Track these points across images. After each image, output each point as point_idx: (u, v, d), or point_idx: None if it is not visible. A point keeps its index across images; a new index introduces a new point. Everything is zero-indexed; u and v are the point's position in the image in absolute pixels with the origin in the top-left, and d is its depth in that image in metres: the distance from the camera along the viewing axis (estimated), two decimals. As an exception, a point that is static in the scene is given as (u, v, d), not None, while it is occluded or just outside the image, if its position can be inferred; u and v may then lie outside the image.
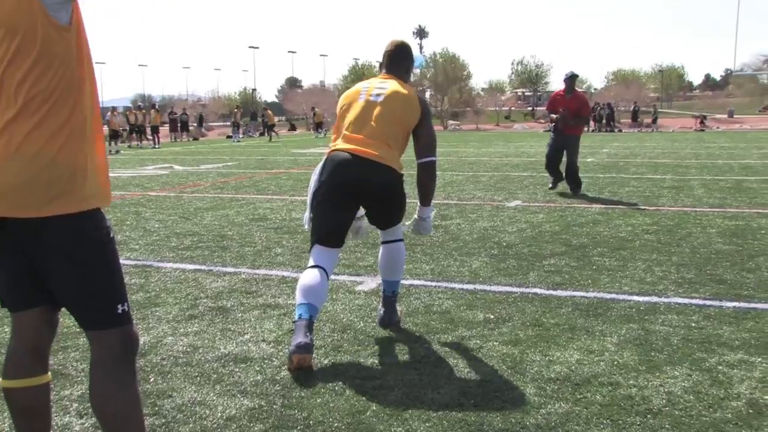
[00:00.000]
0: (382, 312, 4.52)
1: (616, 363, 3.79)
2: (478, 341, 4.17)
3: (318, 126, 44.33)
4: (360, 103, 4.27)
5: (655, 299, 5.00)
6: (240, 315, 4.74)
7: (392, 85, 4.30)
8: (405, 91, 4.29)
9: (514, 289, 5.31)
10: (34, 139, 2.07)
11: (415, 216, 4.51)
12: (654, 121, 49.12)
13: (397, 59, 4.46)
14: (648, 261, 6.21)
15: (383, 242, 4.51)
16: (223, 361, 3.90)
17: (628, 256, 6.40)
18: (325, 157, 4.29)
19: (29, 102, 2.06)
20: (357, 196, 4.18)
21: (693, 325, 4.42)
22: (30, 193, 2.07)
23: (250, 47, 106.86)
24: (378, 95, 4.25)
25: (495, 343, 4.14)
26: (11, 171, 2.06)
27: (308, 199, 4.35)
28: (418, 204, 4.48)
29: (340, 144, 4.22)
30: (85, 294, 2.21)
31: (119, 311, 2.25)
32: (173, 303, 5.04)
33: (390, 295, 4.52)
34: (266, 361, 3.89)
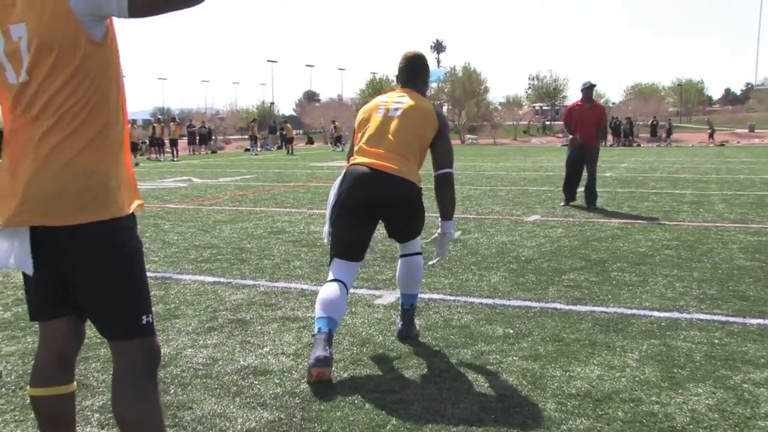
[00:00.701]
0: (400, 325, 4.51)
1: (637, 379, 3.76)
2: (497, 356, 4.15)
3: (337, 140, 44.52)
4: (378, 117, 4.30)
5: (676, 315, 4.95)
6: (259, 327, 4.75)
7: (410, 99, 4.33)
8: (423, 105, 4.31)
9: (534, 304, 5.28)
10: (67, 148, 2.11)
11: (438, 232, 4.47)
12: (668, 134, 48.76)
13: (413, 72, 4.48)
14: (669, 276, 6.16)
15: (401, 256, 4.51)
16: (242, 373, 3.90)
17: (648, 272, 6.35)
18: (344, 171, 4.30)
19: (64, 114, 2.10)
20: (376, 209, 4.19)
21: (716, 341, 4.37)
22: (63, 201, 2.11)
23: (268, 61, 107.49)
24: (396, 109, 4.27)
25: (515, 358, 4.11)
26: (45, 181, 2.10)
27: (327, 212, 4.36)
28: (440, 219, 4.46)
29: (359, 158, 4.23)
30: (110, 303, 2.23)
31: (143, 322, 2.27)
32: (193, 315, 5.06)
33: (408, 308, 4.51)
34: (286, 374, 3.88)
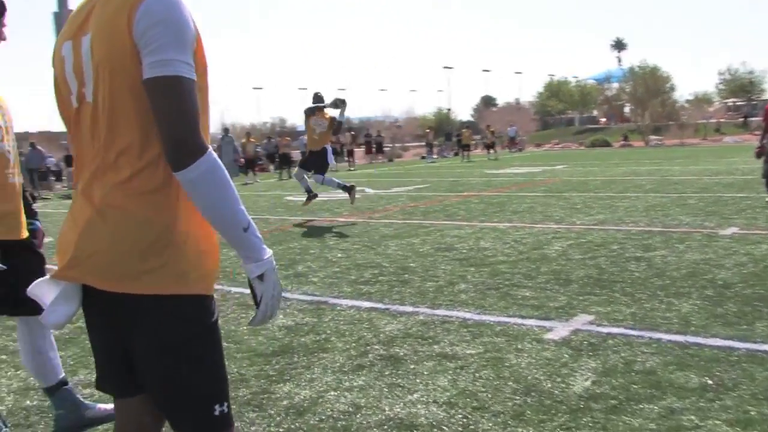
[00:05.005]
0: None
1: None
2: (692, 416, 3.39)
3: (490, 146, 40.75)
4: None
5: None
6: (412, 366, 4.27)
7: None
8: None
9: (738, 345, 4.41)
10: (120, 191, 1.73)
11: None
12: None
13: None
14: None
15: None
16: (385, 426, 3.43)
17: None
18: None
19: (119, 156, 1.72)
20: None
21: None
22: (115, 260, 1.72)
23: (444, 68, 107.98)
24: None
25: (717, 421, 3.33)
26: (95, 233, 1.73)
27: None
28: None
29: None
30: (174, 389, 1.81)
31: (216, 413, 1.83)
32: (342, 349, 4.67)
33: None
34: (435, 430, 3.37)
